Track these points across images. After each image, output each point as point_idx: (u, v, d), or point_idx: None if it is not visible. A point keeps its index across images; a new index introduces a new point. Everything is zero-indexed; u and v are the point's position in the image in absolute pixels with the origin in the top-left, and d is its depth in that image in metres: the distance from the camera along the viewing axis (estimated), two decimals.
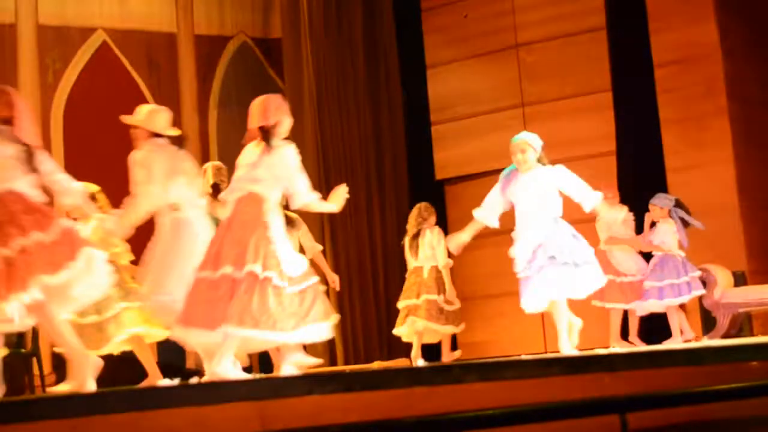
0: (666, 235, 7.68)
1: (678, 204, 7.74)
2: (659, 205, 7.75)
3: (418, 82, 10.34)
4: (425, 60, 10.30)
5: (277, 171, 4.82)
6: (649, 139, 8.94)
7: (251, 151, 4.91)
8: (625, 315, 7.89)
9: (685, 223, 7.67)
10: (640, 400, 3.32)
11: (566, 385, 3.63)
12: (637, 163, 9.01)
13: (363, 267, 9.58)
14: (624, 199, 8.62)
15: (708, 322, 7.98)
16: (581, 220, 8.59)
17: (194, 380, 5.14)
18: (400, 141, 10.26)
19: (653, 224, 7.79)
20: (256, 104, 5.01)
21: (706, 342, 7.23)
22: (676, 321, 7.70)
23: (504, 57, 9.83)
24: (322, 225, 9.40)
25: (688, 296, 7.64)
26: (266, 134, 4.86)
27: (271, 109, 4.91)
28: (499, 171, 9.74)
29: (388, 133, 10.13)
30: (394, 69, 10.31)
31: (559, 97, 9.51)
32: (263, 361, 9.76)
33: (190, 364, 9.79)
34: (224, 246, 4.64)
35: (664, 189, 8.78)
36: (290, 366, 4.61)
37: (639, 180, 8.93)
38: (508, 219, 9.58)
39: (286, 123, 4.92)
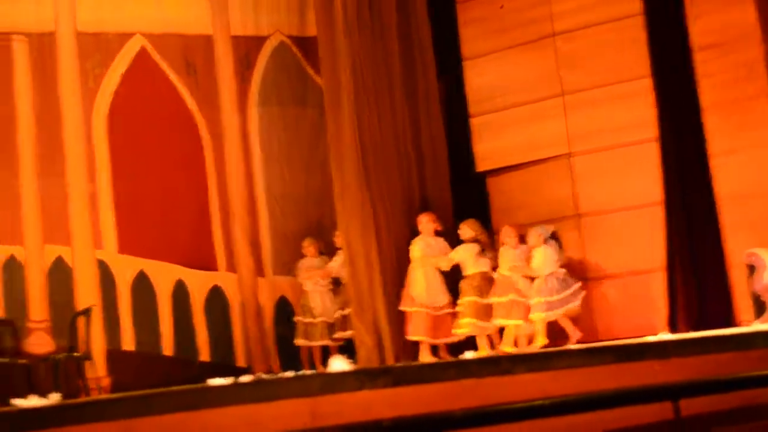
0: (543, 258, 8.74)
1: (554, 236, 8.90)
2: (534, 234, 8.87)
3: (455, 74, 10.32)
4: (462, 52, 10.27)
5: None
6: (691, 124, 8.86)
7: None
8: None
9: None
10: (692, 386, 3.30)
11: (617, 373, 3.62)
12: (679, 148, 8.93)
13: (407, 263, 9.56)
14: (667, 185, 8.58)
15: (758, 307, 7.92)
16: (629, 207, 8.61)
17: (246, 378, 5.19)
18: (439, 134, 10.24)
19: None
20: None
21: (757, 326, 7.18)
22: (567, 323, 8.67)
23: (541, 46, 9.77)
24: (365, 223, 9.40)
25: (562, 309, 8.63)
26: None
27: None
28: (540, 161, 9.78)
29: (426, 126, 10.10)
30: (430, 62, 10.28)
31: (598, 84, 9.43)
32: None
33: (240, 362, 9.89)
34: None
35: (707, 174, 8.71)
36: (340, 361, 4.64)
37: (682, 166, 8.87)
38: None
39: None
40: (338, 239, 9.79)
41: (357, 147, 9.51)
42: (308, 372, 8.39)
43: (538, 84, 9.77)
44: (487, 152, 10.08)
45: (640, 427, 3.39)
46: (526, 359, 3.77)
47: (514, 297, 8.72)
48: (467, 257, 9.09)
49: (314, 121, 10.62)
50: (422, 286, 9.12)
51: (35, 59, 9.64)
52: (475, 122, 10.17)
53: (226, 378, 5.58)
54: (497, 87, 10.02)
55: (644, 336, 7.12)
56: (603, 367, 3.76)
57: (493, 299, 8.82)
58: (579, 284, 8.76)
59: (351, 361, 4.59)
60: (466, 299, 8.94)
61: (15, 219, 9.32)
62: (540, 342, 8.55)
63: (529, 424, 3.22)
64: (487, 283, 8.99)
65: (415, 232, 9.51)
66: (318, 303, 9.81)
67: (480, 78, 10.14)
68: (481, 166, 10.09)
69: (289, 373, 5.53)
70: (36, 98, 9.58)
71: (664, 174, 8.92)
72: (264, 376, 5.90)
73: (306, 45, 10.70)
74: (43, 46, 9.68)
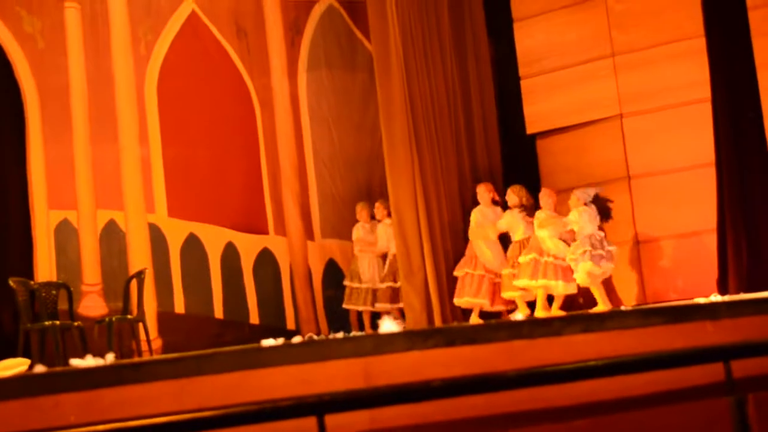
0: (582, 219, 8.59)
1: (596, 199, 8.76)
2: (574, 197, 8.75)
3: (505, 36, 10.24)
4: (512, 13, 10.19)
5: None
6: (745, 84, 8.72)
7: None
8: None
9: (603, 213, 8.81)
10: (744, 348, 3.29)
11: (668, 334, 3.60)
12: (733, 109, 8.80)
13: (455, 225, 9.58)
14: (720, 147, 8.45)
15: None
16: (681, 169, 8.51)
17: (297, 339, 5.25)
18: (489, 96, 10.20)
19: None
20: None
21: None
22: (597, 291, 8.52)
23: (592, 6, 9.67)
24: (414, 186, 9.40)
25: (600, 269, 8.46)
26: None
27: None
28: (590, 123, 9.71)
29: (476, 89, 10.06)
30: (480, 24, 10.22)
31: (650, 45, 9.31)
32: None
33: (289, 324, 9.99)
34: None
35: (761, 135, 8.59)
36: (390, 323, 4.66)
37: (735, 127, 8.74)
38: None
39: None
40: (378, 211, 9.83)
41: (407, 111, 9.50)
42: (358, 333, 8.43)
43: (589, 44, 9.67)
44: (537, 114, 10.02)
45: (692, 389, 3.38)
46: (578, 320, 3.75)
47: (536, 256, 8.68)
48: (513, 223, 9.10)
49: (364, 85, 10.62)
50: (488, 253, 9.19)
51: (87, 26, 9.72)
52: (525, 84, 10.11)
53: (277, 339, 5.63)
54: (547, 48, 9.93)
55: (694, 298, 7.07)
56: (654, 328, 3.74)
57: (520, 258, 8.85)
58: (615, 248, 8.65)
59: (400, 321, 4.61)
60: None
61: (68, 184, 9.46)
62: (600, 308, 8.48)
63: (580, 384, 3.22)
64: None
65: (466, 197, 9.54)
66: (365, 268, 9.84)
67: (530, 39, 10.06)
68: (531, 128, 10.03)
69: (339, 335, 5.57)
70: (88, 65, 9.68)
71: (716, 135, 8.81)
72: (314, 337, 5.96)
73: (355, 9, 10.69)
74: (95, 13, 9.75)
